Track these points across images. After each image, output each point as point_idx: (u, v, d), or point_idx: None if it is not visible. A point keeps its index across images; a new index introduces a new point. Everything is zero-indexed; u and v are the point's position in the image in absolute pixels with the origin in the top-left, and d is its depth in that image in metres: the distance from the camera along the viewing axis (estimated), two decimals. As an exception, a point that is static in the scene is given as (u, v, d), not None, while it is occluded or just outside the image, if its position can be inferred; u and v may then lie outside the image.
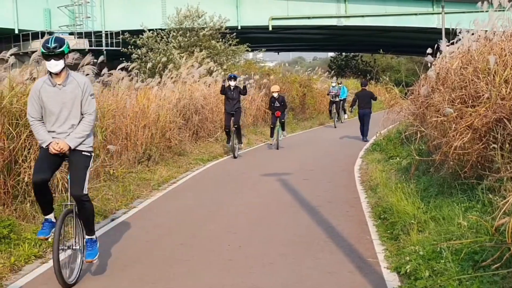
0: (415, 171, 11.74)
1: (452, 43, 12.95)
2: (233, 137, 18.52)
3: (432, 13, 48.00)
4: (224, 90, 18.69)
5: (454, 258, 6.79)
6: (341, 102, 33.46)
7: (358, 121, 24.21)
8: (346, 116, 34.74)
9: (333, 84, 33.41)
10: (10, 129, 10.12)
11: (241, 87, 19.21)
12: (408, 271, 6.98)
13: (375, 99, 23.62)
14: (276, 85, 22.65)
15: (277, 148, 20.97)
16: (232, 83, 18.66)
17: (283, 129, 21.61)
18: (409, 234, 8.23)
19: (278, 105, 21.06)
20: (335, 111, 31.67)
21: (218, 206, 11.67)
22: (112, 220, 10.64)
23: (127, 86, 17.42)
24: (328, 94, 33.23)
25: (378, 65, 67.85)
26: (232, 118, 18.55)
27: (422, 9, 47.72)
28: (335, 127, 30.45)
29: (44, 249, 8.60)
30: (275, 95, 21.14)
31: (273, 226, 9.93)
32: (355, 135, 24.70)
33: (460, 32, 12.47)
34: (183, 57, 27.62)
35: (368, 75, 60.48)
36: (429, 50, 13.72)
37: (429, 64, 13.71)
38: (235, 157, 18.52)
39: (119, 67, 17.59)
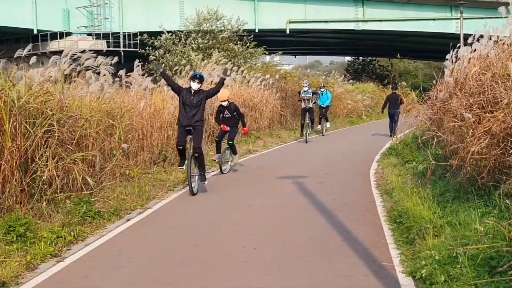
0: (431, 175, 11.68)
1: (471, 45, 12.88)
2: (190, 163, 12.96)
3: (451, 19, 47.81)
4: (178, 91, 13.39)
5: (470, 263, 6.73)
6: (324, 109, 28.02)
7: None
8: (328, 124, 28.99)
9: (305, 87, 25.89)
10: (27, 127, 10.18)
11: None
12: (423, 275, 6.94)
13: (402, 102, 24.37)
14: (225, 90, 16.30)
15: (222, 172, 16.20)
16: (195, 85, 13.08)
17: (234, 153, 16.43)
18: (425, 239, 8.18)
19: (229, 115, 16.13)
20: (308, 121, 25.35)
21: (233, 208, 11.67)
22: (128, 220, 10.68)
23: (145, 87, 17.46)
24: (299, 101, 26.69)
25: (396, 69, 67.60)
26: (189, 136, 13.11)
27: (441, 14, 47.54)
28: (306, 142, 24.63)
29: (60, 248, 8.64)
30: (224, 103, 16.02)
31: (288, 229, 9.91)
32: (371, 139, 24.64)
33: (478, 40, 12.40)
34: (200, 58, 27.64)
35: (385, 80, 60.28)
36: (448, 56, 13.69)
37: (448, 68, 13.65)
38: (193, 194, 12.87)
39: (135, 67, 17.64)
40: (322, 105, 28.14)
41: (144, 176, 14.00)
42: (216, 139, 16.26)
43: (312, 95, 25.75)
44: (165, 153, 15.93)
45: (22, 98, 10.29)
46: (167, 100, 17.79)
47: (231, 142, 16.04)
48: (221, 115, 16.10)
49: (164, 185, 13.68)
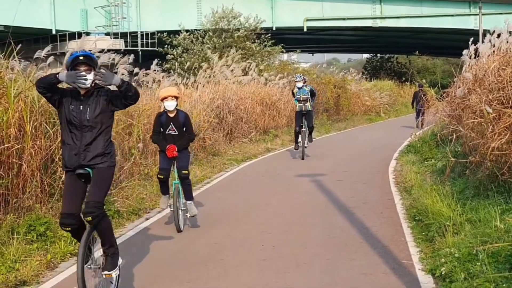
0: (451, 173, 11.62)
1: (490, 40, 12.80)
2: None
3: (469, 14, 47.47)
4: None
5: (490, 261, 6.69)
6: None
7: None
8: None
9: (299, 83, 18.90)
10: (48, 127, 10.24)
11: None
12: (443, 273, 6.91)
13: (421, 98, 24.45)
14: (170, 88, 10.64)
15: (180, 231, 9.82)
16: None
17: (188, 198, 10.12)
18: (445, 236, 8.14)
19: (175, 132, 10.02)
20: (304, 129, 18.86)
21: (252, 207, 11.68)
22: (147, 219, 10.73)
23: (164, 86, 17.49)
24: (298, 101, 18.97)
25: (414, 66, 67.27)
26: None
27: (459, 10, 47.23)
28: (302, 158, 18.41)
29: (80, 247, 8.67)
30: (170, 107, 9.89)
31: (307, 227, 9.91)
32: (389, 136, 24.56)
33: (498, 35, 12.32)
34: (217, 57, 27.66)
35: (403, 77, 60.01)
36: (464, 52, 13.61)
37: (466, 64, 13.56)
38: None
39: (152, 66, 17.68)
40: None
41: (163, 175, 14.01)
42: (159, 176, 10.05)
43: (311, 94, 19.13)
44: (183, 152, 15.94)
45: (42, 98, 10.34)
46: (184, 99, 17.82)
47: (185, 173, 9.89)
48: (164, 130, 10.00)
49: (182, 184, 13.68)
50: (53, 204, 9.84)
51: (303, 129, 18.71)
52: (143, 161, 13.81)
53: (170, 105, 9.89)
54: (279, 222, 10.33)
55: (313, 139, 20.37)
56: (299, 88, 18.76)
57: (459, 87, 12.93)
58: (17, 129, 9.63)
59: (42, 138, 10.03)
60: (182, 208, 10.08)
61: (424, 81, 23.94)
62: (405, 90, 51.47)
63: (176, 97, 9.94)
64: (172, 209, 9.89)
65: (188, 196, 10.09)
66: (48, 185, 9.99)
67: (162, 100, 10.00)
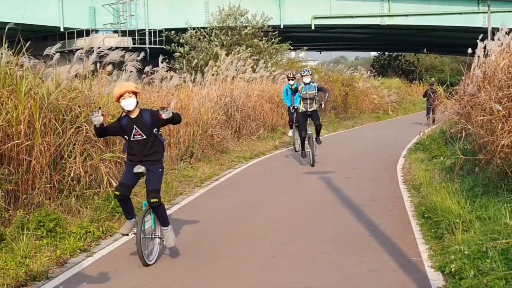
0: (460, 170, 11.60)
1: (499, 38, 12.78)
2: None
3: (478, 12, 47.32)
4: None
5: (500, 258, 6.68)
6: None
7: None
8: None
9: (306, 78, 16.39)
10: (57, 124, 10.27)
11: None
12: (452, 270, 6.89)
13: (430, 96, 25.36)
14: (126, 83, 8.62)
15: (147, 264, 7.83)
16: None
17: (164, 223, 8.12)
18: (454, 234, 8.12)
19: (142, 137, 7.95)
20: (310, 132, 16.45)
21: (260, 204, 11.68)
22: (155, 215, 10.71)
23: (173, 84, 17.52)
24: (303, 99, 16.52)
25: (422, 64, 67.16)
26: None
27: (467, 8, 47.08)
28: (312, 164, 16.15)
29: (89, 243, 8.72)
30: (129, 106, 7.87)
31: (315, 224, 9.91)
32: (397, 134, 24.53)
33: (508, 33, 12.29)
34: (224, 53, 27.62)
35: (411, 75, 59.91)
36: (469, 50, 13.59)
37: (475, 62, 13.53)
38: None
39: (160, 64, 17.69)
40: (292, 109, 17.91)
41: (171, 172, 14.06)
42: (115, 192, 7.94)
43: (318, 91, 16.67)
44: (191, 149, 15.98)
45: (51, 95, 10.38)
46: (192, 97, 17.84)
47: (155, 201, 7.79)
48: (129, 136, 7.95)
49: (191, 181, 13.72)
50: (62, 200, 9.89)
51: (309, 132, 16.26)
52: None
53: (128, 103, 7.78)
54: (288, 219, 10.33)
55: (321, 137, 20.00)
56: (305, 84, 16.25)
57: (468, 85, 12.91)
58: (26, 126, 9.68)
59: (51, 135, 10.07)
60: (156, 235, 8.19)
61: (433, 79, 23.98)
62: (413, 88, 51.40)
63: (135, 93, 7.82)
64: (137, 236, 7.70)
65: (164, 222, 8.07)
66: (57, 182, 10.03)
67: (118, 99, 7.80)
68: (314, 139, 16.43)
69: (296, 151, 18.59)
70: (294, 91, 17.16)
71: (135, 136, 7.91)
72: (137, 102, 7.90)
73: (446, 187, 10.38)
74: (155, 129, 7.95)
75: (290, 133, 19.80)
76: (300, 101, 16.50)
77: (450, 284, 6.68)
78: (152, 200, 7.78)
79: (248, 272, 7.44)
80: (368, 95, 37.71)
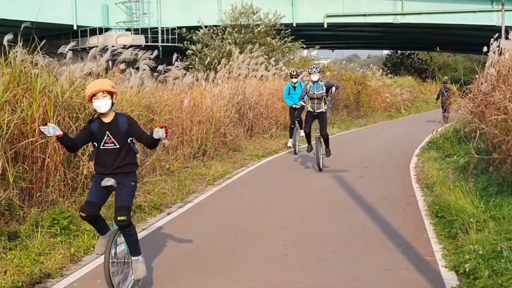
0: (474, 169, 11.55)
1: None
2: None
3: (491, 11, 47.08)
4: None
5: (515, 258, 6.66)
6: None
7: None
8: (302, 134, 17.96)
9: (314, 76, 15.12)
10: (70, 122, 10.31)
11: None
12: (467, 270, 6.88)
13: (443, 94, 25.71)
14: (100, 80, 7.06)
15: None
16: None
17: (132, 252, 6.84)
18: (468, 233, 8.10)
19: (115, 146, 6.68)
20: (318, 134, 15.09)
21: (273, 202, 11.68)
22: (168, 214, 10.76)
23: (187, 82, 17.54)
24: (308, 98, 15.25)
25: (435, 63, 66.92)
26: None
27: (481, 6, 46.87)
28: (320, 169, 15.06)
29: (103, 241, 8.73)
30: (102, 107, 6.58)
31: (328, 223, 9.90)
32: (410, 133, 24.47)
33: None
34: (237, 51, 27.62)
35: (424, 73, 59.69)
36: (484, 49, 13.53)
37: (489, 60, 13.48)
38: None
39: (174, 61, 17.71)
40: (295, 106, 18.50)
41: (184, 170, 14.09)
42: (82, 213, 6.74)
43: (327, 90, 15.14)
44: (204, 148, 16.00)
45: (65, 93, 10.41)
46: (205, 95, 17.86)
47: (122, 219, 6.57)
48: (96, 144, 6.75)
49: (203, 179, 13.74)
50: (76, 198, 9.92)
51: (317, 134, 15.09)
52: (165, 156, 13.86)
53: (101, 104, 6.53)
54: (300, 218, 10.32)
55: (334, 135, 19.83)
56: (313, 83, 15.12)
57: (482, 84, 12.86)
58: (41, 124, 9.69)
59: (65, 133, 10.09)
60: (126, 260, 6.94)
61: (446, 77, 24.01)
62: (425, 87, 51.21)
63: (111, 93, 6.60)
64: (105, 261, 6.55)
65: (133, 250, 6.83)
66: (71, 180, 10.06)
67: (90, 99, 6.57)
68: (322, 141, 15.10)
69: (296, 153, 18.23)
70: (304, 91, 15.53)
71: (106, 144, 6.64)
72: (113, 104, 6.63)
73: (459, 186, 10.35)
74: (130, 138, 6.72)
75: (290, 143, 18.92)
76: (307, 100, 15.28)
77: (464, 284, 6.66)
78: (119, 218, 6.53)
79: (261, 270, 7.44)
80: (381, 94, 37.62)
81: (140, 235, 9.17)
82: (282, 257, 8.00)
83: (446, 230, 8.90)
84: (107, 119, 6.65)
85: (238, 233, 9.30)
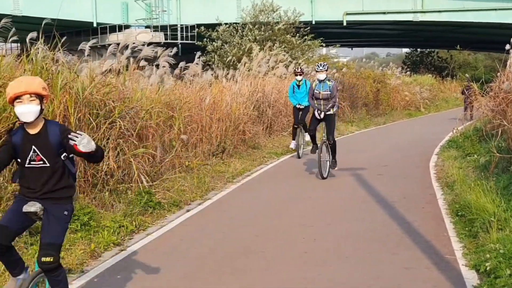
0: (495, 168, 11.47)
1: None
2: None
3: (513, 9, 46.70)
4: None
5: (537, 257, 6.61)
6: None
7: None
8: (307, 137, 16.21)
9: (321, 75, 13.91)
10: (91, 119, 10.36)
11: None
12: (487, 269, 6.83)
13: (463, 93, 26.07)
14: (25, 79, 5.40)
15: None
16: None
17: None
18: (489, 232, 8.05)
19: (43, 164, 5.23)
20: (325, 139, 13.81)
21: (292, 200, 11.67)
22: (187, 211, 10.78)
23: (206, 80, 17.58)
24: (314, 99, 14.01)
25: (455, 61, 66.51)
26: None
27: (502, 4, 46.45)
28: (322, 176, 13.62)
29: (122, 237, 8.79)
30: (26, 116, 5.14)
31: (348, 221, 9.88)
32: (429, 131, 24.36)
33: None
34: (258, 48, 27.59)
35: (444, 71, 59.36)
36: (507, 46, 13.44)
37: (511, 58, 13.39)
38: None
39: (196, 59, 17.76)
40: (299, 106, 17.19)
41: (203, 167, 14.11)
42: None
43: (332, 91, 13.83)
44: (223, 145, 16.02)
45: (86, 90, 10.47)
46: (224, 92, 17.88)
47: (47, 260, 5.11)
48: (20, 160, 5.29)
49: (223, 177, 13.75)
50: (96, 194, 9.98)
51: (323, 139, 13.88)
52: (184, 153, 13.90)
53: (26, 111, 5.12)
54: (320, 215, 10.31)
55: (352, 134, 19.46)
56: (319, 82, 13.90)
57: (503, 82, 12.77)
58: (62, 120, 9.76)
59: (86, 129, 10.15)
60: None
61: (467, 75, 23.94)
62: (445, 85, 50.93)
63: (41, 97, 5.17)
64: None
65: None
66: (91, 176, 10.11)
67: (12, 101, 5.13)
68: (328, 146, 13.77)
69: (299, 157, 17.04)
70: (310, 90, 14.31)
71: (32, 162, 5.22)
72: (42, 111, 5.18)
73: (480, 185, 10.28)
74: (64, 153, 5.23)
75: (292, 145, 17.37)
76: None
77: (485, 282, 6.61)
78: (43, 259, 5.09)
79: (281, 267, 7.44)
80: (400, 92, 37.49)
81: (159, 232, 9.24)
82: (301, 254, 8.00)
83: (467, 228, 8.85)
84: (33, 130, 5.21)
85: (258, 231, 9.31)
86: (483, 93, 15.70)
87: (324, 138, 13.86)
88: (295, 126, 17.23)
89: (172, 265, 7.62)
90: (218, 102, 16.91)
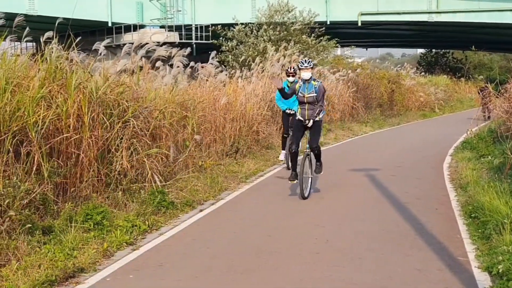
0: (509, 170, 11.41)
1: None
2: None
3: (529, 9, 46.39)
4: None
5: (550, 260, 6.57)
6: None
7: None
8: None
9: (305, 73, 11.61)
10: (105, 119, 10.40)
11: None
12: (500, 271, 6.80)
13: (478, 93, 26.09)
14: None
15: None
16: None
17: None
18: (502, 234, 8.01)
19: None
20: (308, 151, 11.83)
21: (305, 200, 11.64)
22: (200, 210, 10.79)
23: (222, 80, 17.59)
24: (300, 103, 11.87)
25: (470, 62, 66.16)
26: None
27: (519, 4, 46.24)
28: (303, 196, 11.50)
29: (135, 236, 8.80)
30: None
31: (360, 221, 9.87)
32: (444, 132, 24.27)
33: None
34: (273, 48, 27.57)
35: (459, 72, 59.08)
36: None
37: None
38: None
39: (210, 59, 17.76)
40: (289, 111, 14.59)
41: (217, 167, 14.12)
42: None
43: (318, 93, 11.65)
44: (237, 145, 16.03)
45: (99, 89, 10.51)
46: (239, 92, 17.89)
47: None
48: None
49: (236, 177, 13.76)
50: (109, 193, 10.02)
51: (307, 150, 11.84)
52: (198, 153, 13.92)
53: None
54: (332, 216, 10.31)
55: (366, 134, 19.52)
56: (303, 82, 11.73)
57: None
58: (75, 120, 9.81)
59: (100, 129, 10.20)
60: None
61: (481, 76, 23.88)
62: (460, 86, 50.72)
63: None
64: None
65: None
66: (104, 175, 10.16)
67: None
68: (312, 160, 12.01)
69: (289, 169, 13.43)
70: (290, 89, 12.28)
71: None
72: None
73: (494, 186, 10.24)
74: None
75: (282, 156, 15.22)
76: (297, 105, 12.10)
77: (497, 285, 6.59)
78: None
79: (293, 268, 7.44)
80: (415, 93, 37.38)
81: (172, 231, 9.26)
82: (314, 255, 7.99)
83: (480, 230, 8.82)
84: None
85: (270, 231, 9.31)
86: (498, 95, 15.63)
87: (307, 150, 11.83)
88: (285, 135, 14.99)
89: (184, 264, 7.64)
90: (232, 102, 16.92)
